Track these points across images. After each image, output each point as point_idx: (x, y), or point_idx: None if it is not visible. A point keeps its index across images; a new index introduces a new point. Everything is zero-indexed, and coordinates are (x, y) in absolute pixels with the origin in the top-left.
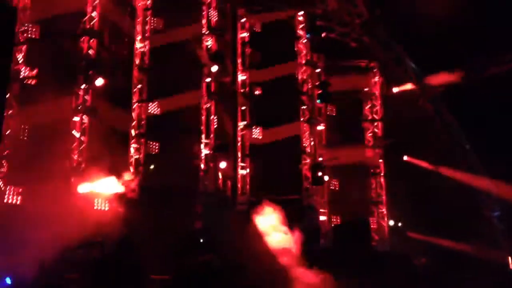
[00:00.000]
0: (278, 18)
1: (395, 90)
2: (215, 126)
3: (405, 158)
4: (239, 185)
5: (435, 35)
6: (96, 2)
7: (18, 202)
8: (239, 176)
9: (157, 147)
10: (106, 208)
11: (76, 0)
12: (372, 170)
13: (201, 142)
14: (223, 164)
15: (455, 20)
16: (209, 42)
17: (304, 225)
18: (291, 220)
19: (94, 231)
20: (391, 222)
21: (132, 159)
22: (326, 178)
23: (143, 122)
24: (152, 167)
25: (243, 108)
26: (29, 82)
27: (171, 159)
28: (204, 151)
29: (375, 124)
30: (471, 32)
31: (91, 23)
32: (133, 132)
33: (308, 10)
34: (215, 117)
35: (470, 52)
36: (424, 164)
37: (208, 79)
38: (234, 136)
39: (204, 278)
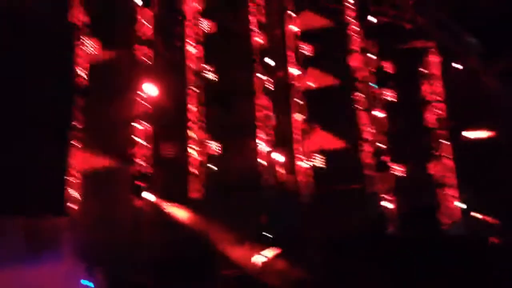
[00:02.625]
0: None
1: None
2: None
3: (466, 134)
4: (300, 178)
5: (498, 12)
6: (147, 10)
7: None
8: (299, 169)
9: (218, 148)
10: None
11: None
12: (438, 153)
13: (259, 138)
14: (279, 157)
15: None
16: (259, 39)
17: (367, 214)
18: (354, 210)
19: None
20: (463, 205)
21: (194, 161)
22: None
23: (202, 124)
24: (213, 167)
25: (299, 101)
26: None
27: (232, 157)
28: (264, 147)
29: (438, 105)
30: None
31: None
32: (192, 135)
33: None
34: (271, 113)
35: None
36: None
37: (261, 76)
38: (291, 130)
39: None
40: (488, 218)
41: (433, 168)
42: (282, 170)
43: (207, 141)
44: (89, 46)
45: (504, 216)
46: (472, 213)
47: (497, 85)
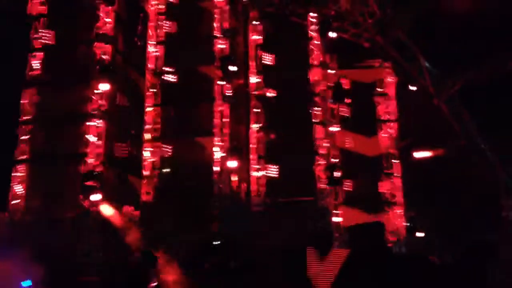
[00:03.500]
0: (290, 20)
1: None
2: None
3: (416, 155)
4: (253, 187)
5: (451, 33)
6: (109, 8)
7: None
8: (253, 178)
9: (170, 150)
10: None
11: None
12: (386, 171)
13: (215, 145)
14: (233, 164)
15: (471, 16)
16: (222, 45)
17: (317, 227)
18: (305, 222)
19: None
20: (407, 223)
21: (147, 162)
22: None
23: (157, 126)
24: (166, 170)
25: (257, 110)
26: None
27: (186, 162)
28: (218, 154)
29: (390, 124)
30: (488, 28)
31: (105, 28)
32: (147, 136)
33: (321, 11)
34: (228, 120)
35: (488, 49)
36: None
37: (222, 82)
38: (247, 138)
39: (222, 279)
40: (430, 237)
41: (382, 186)
42: (235, 178)
43: (161, 143)
44: (46, 38)
45: (446, 235)
46: (416, 232)
47: (448, 108)
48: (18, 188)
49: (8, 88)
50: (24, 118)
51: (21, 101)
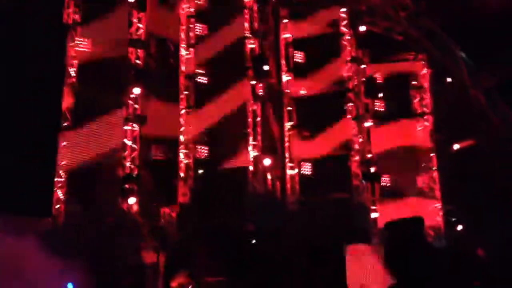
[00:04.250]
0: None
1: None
2: (262, 128)
3: (456, 146)
4: (288, 186)
5: (489, 27)
6: (141, 13)
7: None
8: (288, 176)
9: (206, 152)
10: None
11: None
12: (424, 165)
13: (249, 144)
14: (268, 163)
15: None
16: (252, 45)
17: (354, 224)
18: (341, 219)
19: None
20: (447, 217)
21: (182, 164)
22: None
23: (190, 128)
24: (201, 171)
25: (289, 108)
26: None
27: (220, 163)
28: (252, 153)
29: (426, 117)
30: None
31: (138, 33)
32: (181, 138)
33: (351, 6)
34: (261, 119)
35: None
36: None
37: (253, 82)
38: (281, 137)
39: (260, 279)
40: (469, 231)
41: (420, 180)
42: (270, 177)
43: (196, 145)
44: (82, 46)
45: (486, 228)
46: (456, 226)
47: (484, 100)
48: (60, 193)
49: (47, 95)
50: (63, 124)
51: (60, 108)
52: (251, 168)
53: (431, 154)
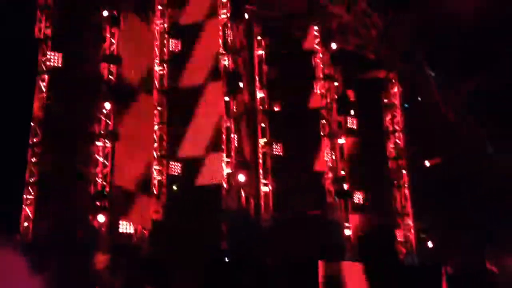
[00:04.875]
0: (294, 35)
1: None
2: (235, 145)
3: (427, 163)
4: (261, 203)
5: (456, 38)
6: (113, 29)
7: None
8: (261, 193)
9: (179, 168)
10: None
11: (95, 27)
12: (395, 182)
13: (222, 161)
14: (242, 179)
15: (474, 21)
16: (226, 61)
17: (328, 240)
18: (315, 236)
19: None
20: (421, 234)
21: (155, 181)
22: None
23: (164, 144)
24: (175, 187)
25: (263, 125)
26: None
27: (194, 179)
28: (226, 170)
29: (397, 135)
30: (495, 33)
31: (111, 49)
32: (155, 154)
33: (323, 25)
34: (235, 136)
35: (495, 54)
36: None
37: (227, 98)
38: (255, 153)
39: None
40: (441, 247)
41: (392, 197)
42: (243, 193)
43: (169, 161)
44: (53, 60)
45: (458, 244)
46: (426, 242)
47: (455, 116)
48: (28, 211)
49: (17, 110)
50: (33, 140)
51: (30, 123)
52: (224, 185)
53: (403, 171)
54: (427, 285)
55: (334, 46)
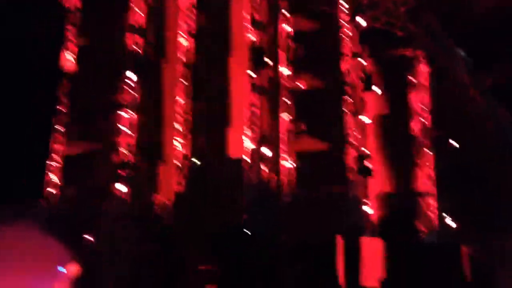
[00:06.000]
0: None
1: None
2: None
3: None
4: (283, 178)
5: (490, 26)
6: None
7: None
8: (283, 169)
9: (203, 141)
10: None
11: None
12: (419, 161)
13: (245, 136)
14: (263, 155)
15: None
16: (252, 36)
17: (349, 219)
18: (336, 214)
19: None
20: (444, 216)
21: (178, 153)
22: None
23: (188, 117)
24: (197, 161)
25: (287, 101)
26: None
27: (216, 152)
28: (249, 145)
29: (424, 115)
30: None
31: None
32: (179, 127)
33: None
34: (259, 111)
35: None
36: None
37: (252, 73)
38: (278, 129)
39: (251, 269)
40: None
41: (414, 176)
42: (265, 169)
43: (192, 134)
44: (80, 31)
45: (480, 224)
46: (448, 222)
47: (483, 99)
48: (53, 177)
49: (44, 81)
50: (59, 108)
51: (56, 93)
52: (247, 159)
53: (428, 151)
54: (447, 264)
55: (363, 22)
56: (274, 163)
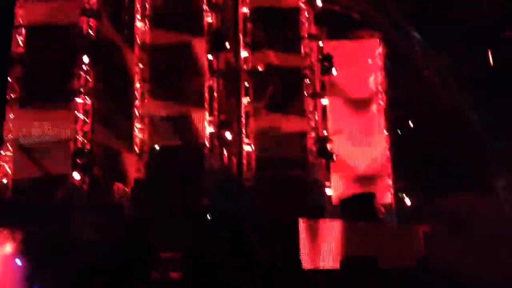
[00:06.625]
0: None
1: None
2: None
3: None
4: (244, 162)
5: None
6: None
7: None
8: (244, 152)
9: (161, 126)
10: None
11: None
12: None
13: (205, 120)
14: (224, 139)
15: None
16: (210, 18)
17: (310, 201)
18: (297, 196)
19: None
20: (397, 194)
21: (137, 139)
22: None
23: (146, 102)
24: (157, 146)
25: (246, 84)
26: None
27: (176, 137)
28: (209, 129)
29: (380, 96)
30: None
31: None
32: (136, 112)
33: None
34: (218, 94)
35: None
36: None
37: (210, 56)
38: (238, 112)
39: (215, 254)
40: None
41: (372, 158)
42: (226, 153)
43: (151, 119)
44: (32, 13)
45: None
46: (405, 203)
47: (437, 80)
48: (6, 167)
49: None
50: (10, 96)
51: (7, 79)
52: (207, 144)
53: (385, 132)
54: (405, 244)
55: (319, 4)
56: (234, 147)
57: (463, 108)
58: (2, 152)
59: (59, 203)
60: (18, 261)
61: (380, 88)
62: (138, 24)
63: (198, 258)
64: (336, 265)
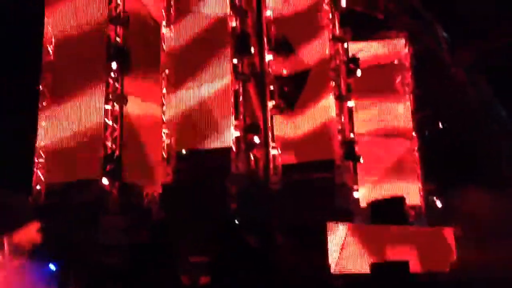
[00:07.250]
0: None
1: None
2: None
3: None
4: (271, 166)
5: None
6: None
7: None
8: (270, 156)
9: (189, 131)
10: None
11: None
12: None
13: (231, 124)
14: (256, 141)
15: None
16: (234, 23)
17: (337, 203)
18: (325, 199)
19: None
20: (431, 197)
21: (165, 144)
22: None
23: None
24: (184, 151)
25: (272, 88)
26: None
27: (203, 142)
28: (235, 133)
29: (407, 96)
30: None
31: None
32: (163, 117)
33: None
34: (243, 99)
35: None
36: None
37: (235, 60)
38: (264, 116)
39: (242, 258)
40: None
41: (401, 160)
42: (252, 157)
43: (178, 124)
44: (58, 24)
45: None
46: (435, 205)
47: (465, 77)
48: (39, 174)
49: (25, 75)
50: (42, 104)
51: (39, 87)
52: (233, 148)
53: (413, 134)
54: (436, 247)
55: (343, 4)
56: (261, 150)
57: (491, 105)
58: (35, 159)
59: (89, 207)
60: (52, 266)
61: (407, 88)
62: (164, 30)
63: (225, 262)
64: (366, 270)
